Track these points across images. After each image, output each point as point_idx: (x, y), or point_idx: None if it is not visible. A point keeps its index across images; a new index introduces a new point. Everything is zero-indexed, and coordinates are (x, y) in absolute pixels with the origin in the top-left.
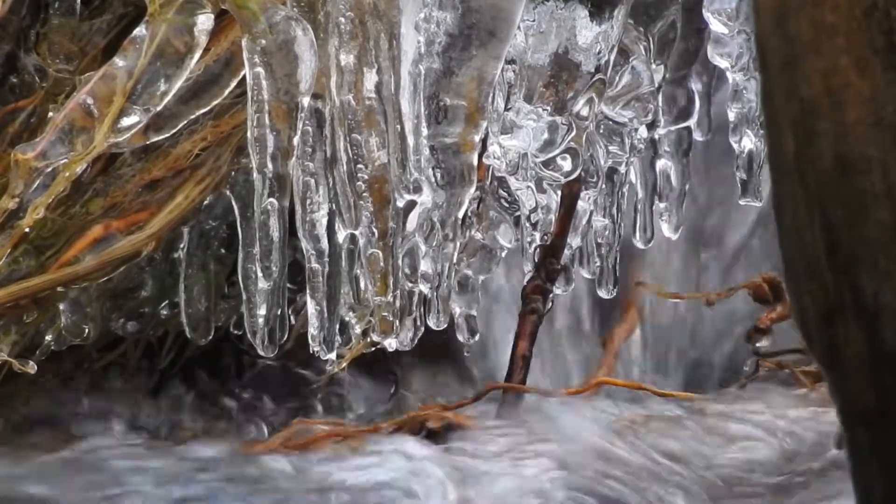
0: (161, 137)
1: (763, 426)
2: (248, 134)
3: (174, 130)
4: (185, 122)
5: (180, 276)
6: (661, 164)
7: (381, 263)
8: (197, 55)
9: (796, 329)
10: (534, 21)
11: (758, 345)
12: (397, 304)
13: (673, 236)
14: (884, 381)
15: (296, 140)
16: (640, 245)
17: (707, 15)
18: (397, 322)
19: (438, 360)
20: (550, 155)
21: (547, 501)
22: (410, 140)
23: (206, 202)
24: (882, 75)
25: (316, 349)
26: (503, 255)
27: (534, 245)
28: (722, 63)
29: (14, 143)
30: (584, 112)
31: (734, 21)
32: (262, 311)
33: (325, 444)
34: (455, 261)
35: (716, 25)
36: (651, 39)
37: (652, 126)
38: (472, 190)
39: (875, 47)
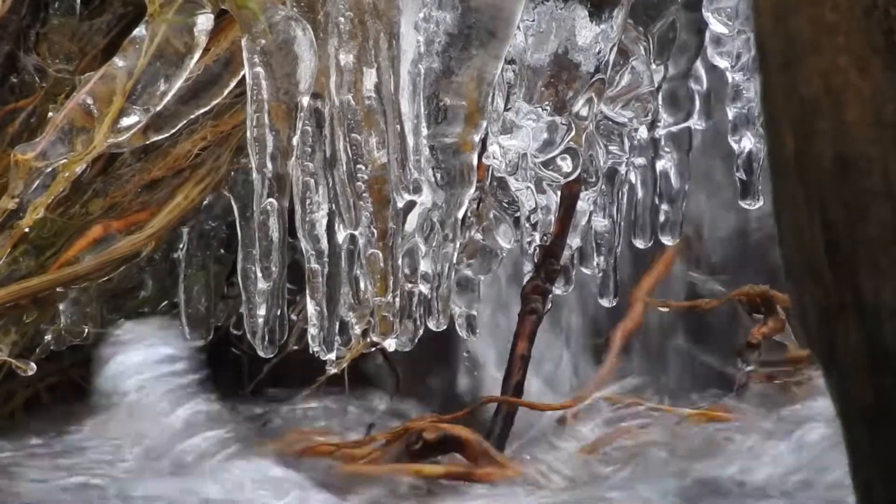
0: (161, 137)
1: None
2: (248, 134)
3: (174, 130)
4: (185, 122)
5: (180, 277)
6: (661, 164)
7: (381, 264)
8: (197, 55)
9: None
10: (533, 21)
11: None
12: (397, 304)
13: (671, 242)
14: (883, 380)
15: (295, 140)
16: (639, 245)
17: (707, 15)
18: (397, 322)
19: None
20: (550, 155)
21: None
22: (410, 140)
23: (205, 202)
24: (882, 74)
25: (316, 349)
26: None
27: (533, 245)
28: (722, 63)
29: (14, 143)
30: (584, 112)
31: (734, 21)
32: (262, 311)
33: (319, 453)
34: (455, 261)
35: (716, 25)
36: (651, 39)
37: (652, 126)
38: (472, 190)
39: (875, 46)
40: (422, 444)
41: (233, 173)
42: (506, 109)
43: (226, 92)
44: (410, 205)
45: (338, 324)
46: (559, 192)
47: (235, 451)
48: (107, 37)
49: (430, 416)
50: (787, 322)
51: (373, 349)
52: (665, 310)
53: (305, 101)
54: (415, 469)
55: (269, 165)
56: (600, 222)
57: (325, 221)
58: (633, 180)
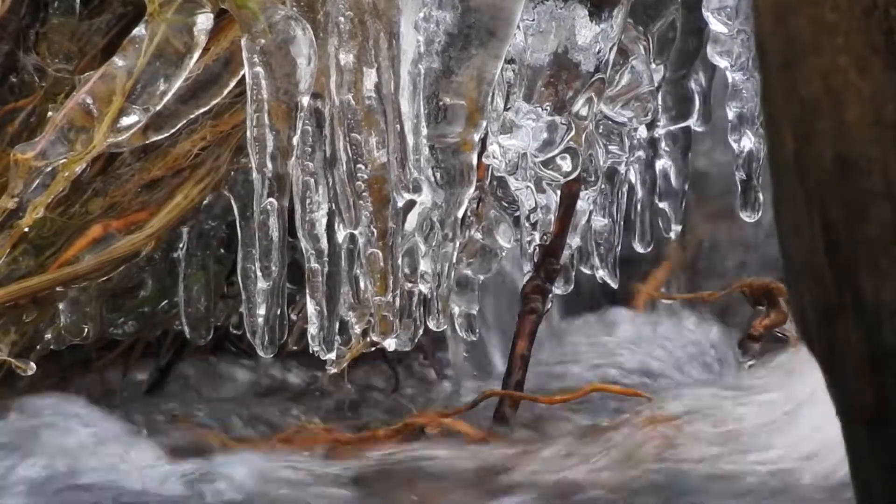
0: (160, 137)
1: None
2: (248, 133)
3: (173, 130)
4: (185, 121)
5: (179, 276)
6: (660, 163)
7: (381, 263)
8: (196, 55)
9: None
10: (533, 20)
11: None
12: (397, 303)
13: (672, 236)
14: (883, 380)
15: (295, 140)
16: (640, 249)
17: (706, 14)
18: (397, 322)
19: None
20: (550, 155)
21: None
22: (410, 140)
23: (205, 202)
24: (882, 75)
25: (316, 349)
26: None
27: (533, 245)
28: (721, 62)
29: (13, 142)
30: (584, 112)
31: (733, 20)
32: (262, 310)
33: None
34: (455, 260)
35: (715, 25)
36: (650, 39)
37: (651, 125)
38: (472, 189)
39: (875, 46)
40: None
41: (232, 173)
42: (505, 109)
43: (225, 92)
44: (410, 204)
45: (338, 323)
46: (559, 192)
47: None
48: (106, 36)
49: (431, 410)
50: (788, 315)
51: (372, 349)
52: (669, 302)
53: (305, 100)
54: None
55: (269, 165)
56: (600, 222)
57: (324, 221)
58: (633, 180)
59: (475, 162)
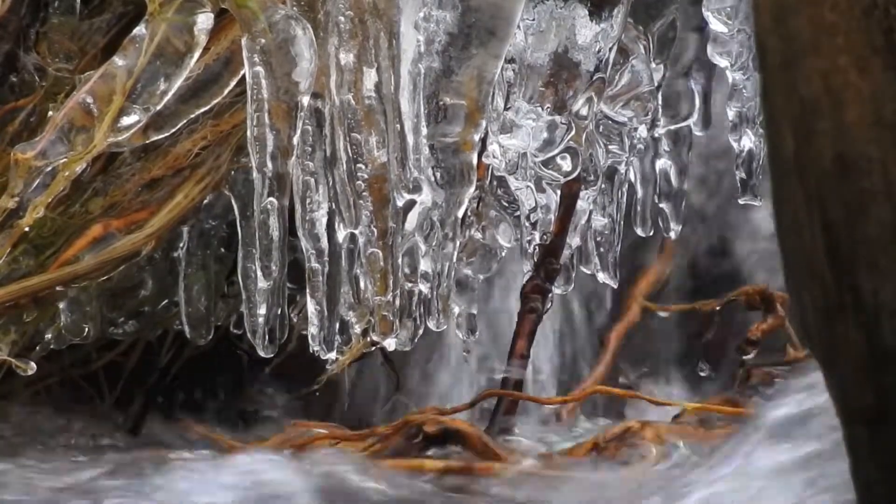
0: (161, 136)
1: None
2: (248, 133)
3: (174, 129)
4: (185, 121)
5: (180, 276)
6: (660, 163)
7: (381, 263)
8: (197, 54)
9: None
10: (533, 20)
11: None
12: (397, 303)
13: (672, 236)
14: (883, 380)
15: (295, 139)
16: (641, 234)
17: (706, 14)
18: (397, 322)
19: None
20: (550, 154)
21: None
22: (410, 139)
23: (205, 201)
24: (882, 74)
25: (316, 349)
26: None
27: (533, 244)
28: (721, 62)
29: (14, 142)
30: (584, 111)
31: (733, 20)
32: (262, 310)
33: (320, 446)
34: (455, 260)
35: (715, 24)
36: (651, 38)
37: (652, 125)
38: (472, 189)
39: (875, 46)
40: (422, 437)
41: (233, 172)
42: (506, 109)
43: (226, 91)
44: (410, 204)
45: (338, 323)
46: (559, 192)
47: None
48: (107, 36)
49: (430, 408)
50: (786, 320)
51: (373, 348)
52: (665, 314)
53: (305, 100)
54: (416, 464)
55: (270, 164)
56: (600, 221)
57: (325, 220)
58: (633, 179)
59: (475, 161)
